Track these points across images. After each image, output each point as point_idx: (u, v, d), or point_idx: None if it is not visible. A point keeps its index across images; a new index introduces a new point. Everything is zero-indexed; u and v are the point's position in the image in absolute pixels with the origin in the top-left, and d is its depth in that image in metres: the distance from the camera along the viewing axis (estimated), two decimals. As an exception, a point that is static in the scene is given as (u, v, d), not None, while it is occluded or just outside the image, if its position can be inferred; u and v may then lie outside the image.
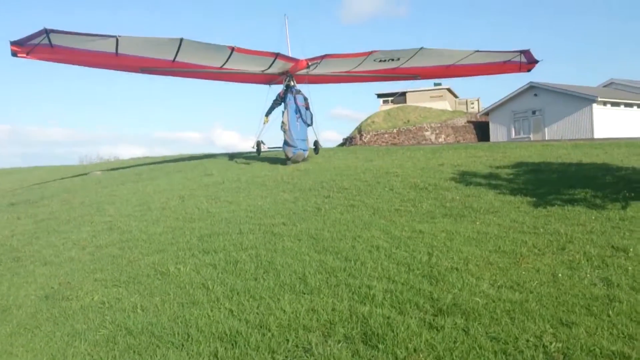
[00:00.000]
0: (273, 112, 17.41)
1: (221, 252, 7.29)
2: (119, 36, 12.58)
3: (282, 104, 16.96)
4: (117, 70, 16.80)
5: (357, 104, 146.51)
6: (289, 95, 16.65)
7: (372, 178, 11.67)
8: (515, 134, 38.72)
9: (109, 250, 8.04)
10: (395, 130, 41.58)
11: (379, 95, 53.84)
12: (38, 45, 12.38)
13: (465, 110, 49.51)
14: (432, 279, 5.81)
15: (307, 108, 16.82)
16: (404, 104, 48.94)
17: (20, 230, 10.12)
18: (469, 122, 43.42)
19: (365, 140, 41.42)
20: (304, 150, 16.47)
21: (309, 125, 16.89)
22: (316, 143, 18.19)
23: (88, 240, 8.83)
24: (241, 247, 7.45)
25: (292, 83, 17.30)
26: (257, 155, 18.61)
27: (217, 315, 5.31)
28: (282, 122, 16.40)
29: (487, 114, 41.81)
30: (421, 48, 15.70)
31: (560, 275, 5.73)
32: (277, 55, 15.56)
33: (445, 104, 49.53)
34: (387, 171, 12.35)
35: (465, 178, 11.10)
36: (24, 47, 12.38)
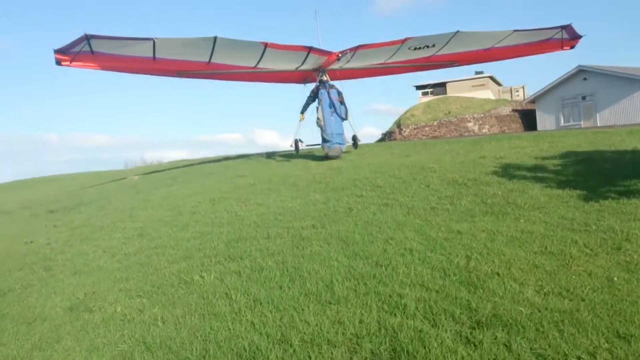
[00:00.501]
0: (308, 109, 17.41)
1: (247, 259, 6.94)
2: (156, 38, 12.80)
3: (316, 99, 16.80)
4: (155, 74, 17.04)
5: (396, 97, 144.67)
6: (322, 90, 16.51)
7: (407, 174, 11.13)
8: (565, 122, 37.16)
9: (137, 258, 7.82)
10: (435, 123, 40.63)
11: (418, 87, 52.84)
12: (80, 53, 12.65)
13: (509, 99, 48.02)
14: (470, 285, 5.29)
15: (342, 102, 16.62)
16: (444, 95, 47.86)
17: (55, 238, 10.07)
18: (514, 110, 41.95)
19: (405, 135, 40.64)
20: (340, 144, 16.23)
21: (344, 120, 16.70)
22: (354, 138, 17.90)
23: (118, 247, 8.65)
24: (267, 253, 7.09)
25: (324, 78, 17.07)
26: (296, 154, 18.45)
27: (238, 329, 4.95)
28: (317, 118, 16.33)
29: (533, 101, 40.27)
30: (457, 32, 15.22)
31: (616, 279, 5.12)
32: (310, 49, 15.40)
33: (488, 93, 48.15)
34: (424, 166, 11.77)
35: (508, 171, 10.43)
36: (67, 54, 12.63)
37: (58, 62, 12.64)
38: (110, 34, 12.39)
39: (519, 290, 5.07)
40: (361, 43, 15.56)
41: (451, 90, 49.10)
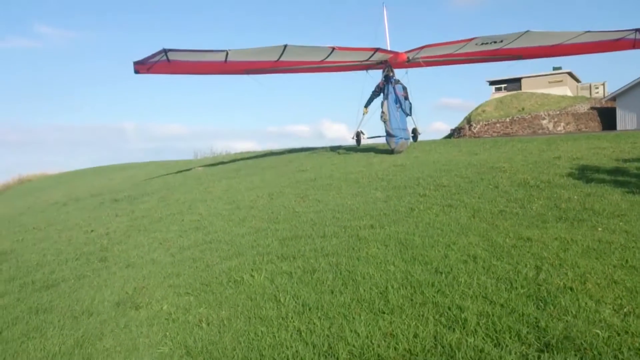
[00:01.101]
0: (372, 103, 17.72)
1: (300, 259, 6.69)
2: (229, 50, 13.61)
3: (381, 94, 17.04)
4: (224, 74, 18.09)
5: (467, 92, 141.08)
6: (389, 86, 16.71)
7: (474, 174, 10.55)
8: (647, 121, 34.83)
9: (190, 253, 7.75)
10: (508, 119, 39.10)
11: (491, 83, 51.08)
12: (157, 63, 13.63)
13: (588, 96, 45.57)
14: (539, 300, 4.79)
15: (406, 98, 16.88)
16: (519, 91, 45.98)
17: (114, 228, 10.21)
18: (592, 108, 39.72)
19: (475, 131, 39.34)
20: (405, 139, 16.53)
21: (408, 115, 17.00)
22: (414, 131, 18.33)
23: (173, 240, 8.64)
24: (322, 253, 6.80)
25: (391, 73, 17.17)
26: (357, 146, 18.52)
27: (284, 336, 4.69)
28: (382, 112, 16.50)
29: (613, 99, 37.93)
30: (527, 31, 14.94)
31: None
32: (376, 50, 15.80)
33: (565, 90, 45.90)
34: (493, 166, 11.13)
35: (585, 174, 9.68)
36: (144, 65, 13.71)
37: (137, 72, 13.83)
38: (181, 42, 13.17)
39: (594, 308, 4.53)
40: (428, 43, 15.86)
41: (526, 86, 47.16)
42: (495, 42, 16.29)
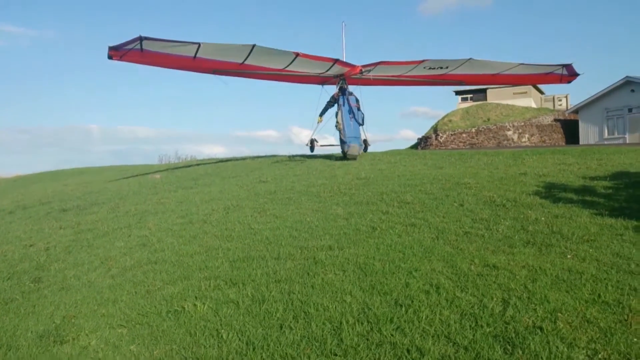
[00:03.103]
0: (327, 113, 19.22)
1: (250, 285, 6.14)
2: (202, 43, 14.13)
3: (336, 104, 18.46)
4: (193, 71, 18.36)
5: (435, 101, 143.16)
6: (343, 97, 18.10)
7: (439, 190, 10.16)
8: (609, 134, 35.30)
9: (132, 274, 7.10)
10: (474, 130, 39.11)
11: (457, 92, 51.30)
12: (130, 50, 13.98)
13: (552, 108, 46.12)
14: (507, 342, 4.36)
15: (359, 109, 18.36)
16: (484, 102, 46.25)
17: (55, 243, 9.46)
18: (556, 120, 40.11)
19: (441, 140, 39.27)
20: (358, 145, 17.80)
21: (360, 125, 18.32)
22: (365, 142, 19.44)
23: (117, 259, 7.96)
24: (274, 279, 6.27)
25: (345, 86, 18.62)
26: (311, 152, 19.83)
27: (223, 381, 4.14)
28: (337, 122, 17.84)
29: (576, 111, 38.40)
30: (469, 59, 16.58)
31: (690, 348, 4.12)
32: (335, 61, 16.96)
33: (529, 101, 46.41)
34: (459, 181, 10.77)
35: (552, 192, 9.38)
36: (118, 51, 13.99)
37: (110, 57, 14.10)
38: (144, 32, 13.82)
39: (567, 354, 4.12)
40: (382, 60, 17.16)
41: (492, 97, 47.49)
42: (441, 67, 17.92)
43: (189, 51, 14.74)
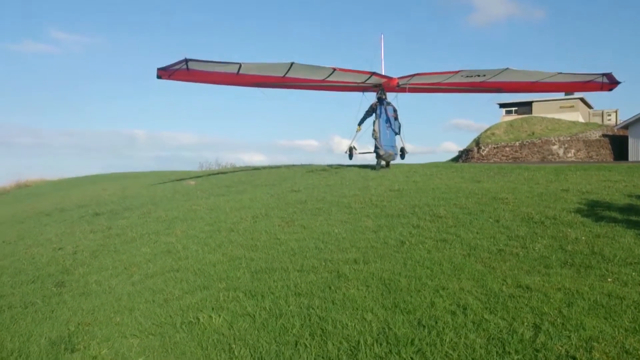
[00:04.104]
0: (365, 122, 19.57)
1: (269, 297, 5.94)
2: (242, 63, 15.10)
3: (374, 114, 18.84)
4: (237, 85, 19.39)
5: (478, 114, 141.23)
6: (381, 107, 18.49)
7: (475, 204, 9.76)
8: (660, 151, 33.87)
9: (153, 282, 7.02)
10: (517, 143, 38.15)
11: (502, 105, 50.27)
12: (178, 70, 15.10)
13: (600, 123, 44.61)
14: (535, 372, 4.01)
15: (396, 118, 18.81)
16: (529, 115, 45.09)
17: (84, 247, 9.52)
18: (604, 135, 38.73)
19: (484, 154, 38.45)
20: (392, 151, 18.44)
21: (397, 134, 18.89)
22: (402, 150, 19.93)
23: (140, 265, 7.92)
24: (294, 292, 6.05)
25: (383, 96, 18.97)
26: (349, 159, 20.35)
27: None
28: (374, 130, 18.28)
29: (626, 127, 36.95)
30: (506, 69, 16.71)
31: None
32: (372, 74, 17.48)
33: (577, 115, 45.02)
34: (496, 196, 10.34)
35: (595, 210, 8.87)
36: (167, 71, 15.13)
37: (159, 77, 15.24)
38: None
39: (602, 389, 3.74)
40: (419, 72, 17.61)
41: (537, 110, 46.31)
42: (479, 75, 18.05)
43: (232, 69, 15.64)
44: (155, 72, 15.25)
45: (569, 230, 7.79)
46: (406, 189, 11.88)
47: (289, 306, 5.62)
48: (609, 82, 18.38)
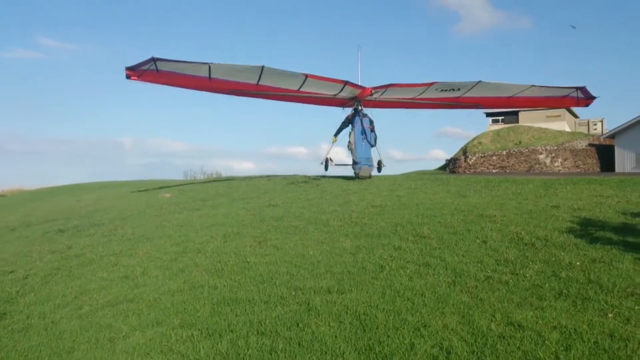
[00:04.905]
0: (341, 133, 19.63)
1: (227, 337, 5.24)
2: (211, 63, 14.82)
3: (350, 125, 18.72)
4: (210, 92, 18.88)
5: (467, 122, 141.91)
6: (356, 118, 18.35)
7: (460, 223, 9.14)
8: (646, 160, 33.59)
9: (102, 315, 6.30)
10: (504, 152, 37.78)
11: (488, 114, 49.92)
12: (147, 70, 14.81)
13: (586, 132, 44.45)
14: None
15: (372, 130, 18.54)
16: (516, 124, 44.80)
17: (37, 270, 8.75)
18: (590, 145, 38.46)
19: (470, 163, 38.04)
20: (369, 166, 18.20)
21: (373, 146, 18.59)
22: (379, 163, 19.82)
23: (92, 293, 7.19)
24: (257, 330, 5.36)
25: (359, 107, 18.87)
26: (325, 170, 20.10)
27: None
28: (349, 142, 18.23)
29: (612, 136, 36.67)
30: (479, 81, 16.92)
31: None
32: (345, 83, 17.29)
33: (563, 125, 44.77)
34: (483, 213, 9.72)
35: (588, 230, 8.28)
36: (136, 71, 14.81)
37: (128, 77, 14.87)
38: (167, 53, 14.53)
39: None
40: (392, 82, 17.67)
41: (524, 120, 45.97)
42: (453, 89, 18.07)
43: (203, 71, 15.42)
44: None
45: (562, 253, 7.17)
46: (389, 204, 11.23)
47: (248, 349, 4.93)
48: (585, 97, 18.50)
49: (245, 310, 5.94)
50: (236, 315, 5.79)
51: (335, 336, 5.07)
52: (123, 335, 5.53)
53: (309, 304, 5.93)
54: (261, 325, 5.47)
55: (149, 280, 7.41)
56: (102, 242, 10.27)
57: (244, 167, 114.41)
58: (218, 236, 9.52)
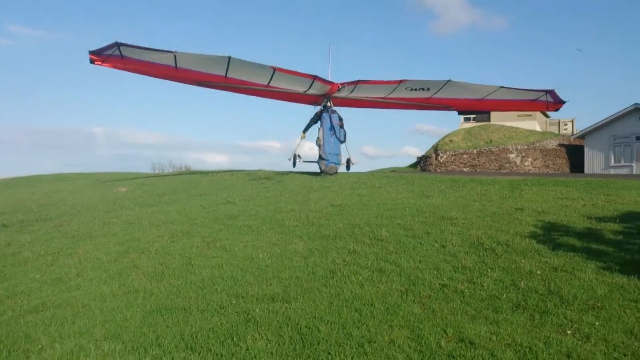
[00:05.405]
0: (310, 130, 19.35)
1: (153, 352, 4.74)
2: (176, 52, 14.33)
3: (319, 121, 18.42)
4: (177, 81, 18.23)
5: (441, 120, 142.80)
6: (325, 114, 18.12)
7: (421, 225, 8.74)
8: (615, 161, 33.87)
9: (23, 323, 5.71)
10: (475, 151, 37.78)
11: (460, 112, 49.97)
12: (111, 56, 14.39)
13: (557, 132, 44.76)
14: None
15: (342, 127, 18.39)
16: (487, 123, 44.92)
17: (-34, 270, 8.06)
18: (560, 145, 38.73)
19: (442, 161, 37.94)
20: (336, 164, 18.02)
21: (342, 142, 18.41)
22: (348, 161, 19.66)
23: (19, 297, 6.59)
24: (187, 344, 4.86)
25: (329, 104, 18.64)
26: (293, 167, 19.72)
27: None
28: (317, 138, 17.98)
29: (582, 137, 36.92)
30: (449, 81, 16.62)
31: None
32: (314, 78, 16.96)
33: (534, 124, 45.02)
34: (444, 215, 9.34)
35: (551, 235, 7.95)
36: (100, 56, 14.38)
37: (92, 61, 14.42)
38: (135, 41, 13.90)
39: None
40: (360, 79, 17.18)
41: (495, 119, 46.09)
42: (422, 88, 17.74)
43: (169, 60, 14.87)
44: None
45: (523, 260, 6.81)
46: (349, 204, 10.79)
47: (173, 368, 4.42)
48: (554, 102, 18.32)
49: (179, 320, 5.43)
50: (167, 326, 5.28)
51: (272, 353, 4.60)
52: (39, 348, 4.97)
53: (248, 314, 5.45)
54: (192, 338, 4.97)
55: (82, 284, 6.83)
56: (44, 239, 9.61)
57: (218, 160, 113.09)
58: (165, 235, 8.96)
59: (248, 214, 10.33)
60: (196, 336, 5.01)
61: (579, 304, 5.43)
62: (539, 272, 6.39)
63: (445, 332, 4.90)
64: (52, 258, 8.22)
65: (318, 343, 4.76)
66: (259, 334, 4.98)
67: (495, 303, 5.57)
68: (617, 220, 8.73)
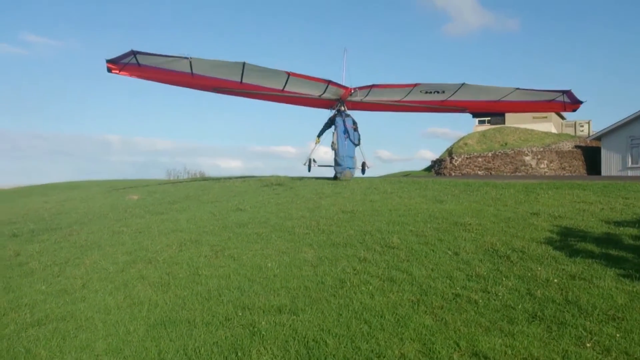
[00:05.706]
0: (325, 134, 19.15)
1: (155, 367, 4.58)
2: (191, 58, 14.26)
3: (333, 126, 18.24)
4: (194, 89, 18.41)
5: (455, 123, 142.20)
6: (339, 119, 17.95)
7: (433, 231, 8.53)
8: (633, 163, 33.27)
9: (25, 337, 5.63)
10: (490, 154, 37.36)
11: (474, 115, 49.52)
12: (128, 64, 14.45)
13: (572, 134, 44.12)
14: None
15: (356, 130, 18.13)
16: (502, 125, 44.40)
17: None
18: (576, 147, 38.16)
19: (456, 164, 37.56)
20: (350, 168, 17.83)
21: (356, 145, 18.17)
22: (363, 164, 19.30)
23: (23, 309, 6.51)
24: (190, 359, 4.70)
25: (342, 108, 18.55)
26: (308, 171, 19.53)
27: None
28: (332, 142, 17.82)
29: (598, 138, 36.34)
30: (463, 84, 16.58)
31: None
32: (329, 82, 16.89)
33: (549, 126, 44.43)
34: (458, 221, 9.11)
35: (568, 241, 7.70)
36: (117, 64, 14.47)
37: (109, 70, 14.52)
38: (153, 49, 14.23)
39: None
40: (375, 83, 17.19)
41: (510, 121, 45.56)
42: (437, 91, 17.72)
43: (185, 67, 14.95)
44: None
45: (539, 268, 6.58)
46: (360, 210, 10.60)
47: (174, 384, 4.28)
48: (571, 102, 18.08)
49: (183, 333, 5.29)
50: (170, 340, 5.14)
51: (276, 368, 4.44)
52: (36, 366, 4.86)
53: (254, 327, 5.30)
54: (196, 353, 4.83)
55: (87, 295, 6.73)
56: (52, 249, 9.55)
57: (232, 165, 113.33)
58: (174, 244, 8.85)
59: (258, 221, 10.19)
60: (199, 351, 4.86)
61: (598, 315, 5.20)
62: (555, 280, 6.16)
63: (458, 345, 4.70)
64: (59, 269, 8.14)
65: (325, 358, 4.59)
66: (265, 348, 4.83)
67: (511, 314, 5.36)
68: (637, 225, 8.44)
